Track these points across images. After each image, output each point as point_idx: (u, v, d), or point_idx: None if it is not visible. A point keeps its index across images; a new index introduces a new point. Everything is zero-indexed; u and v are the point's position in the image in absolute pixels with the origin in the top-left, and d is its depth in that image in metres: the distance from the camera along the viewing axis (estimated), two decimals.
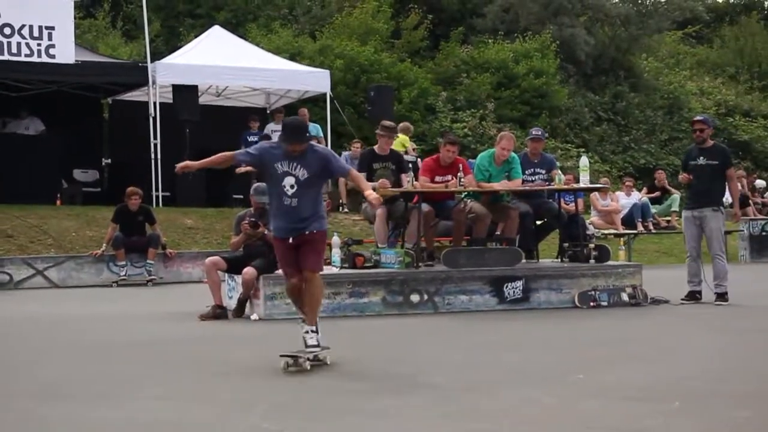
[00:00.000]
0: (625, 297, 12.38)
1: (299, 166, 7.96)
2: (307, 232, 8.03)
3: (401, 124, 22.53)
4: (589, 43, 31.67)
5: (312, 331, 8.00)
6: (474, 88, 28.02)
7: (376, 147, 13.27)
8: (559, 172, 12.96)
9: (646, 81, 32.92)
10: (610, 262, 12.93)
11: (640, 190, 21.58)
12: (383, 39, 28.13)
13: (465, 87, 28.27)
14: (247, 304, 11.45)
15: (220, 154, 8.69)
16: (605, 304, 12.26)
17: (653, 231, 20.03)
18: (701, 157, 12.52)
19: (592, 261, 12.65)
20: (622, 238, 18.40)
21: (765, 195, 25.25)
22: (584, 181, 13.21)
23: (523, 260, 12.52)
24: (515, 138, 13.69)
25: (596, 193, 18.46)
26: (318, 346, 7.98)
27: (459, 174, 12.27)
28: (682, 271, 12.88)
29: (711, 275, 12.45)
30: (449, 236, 13.19)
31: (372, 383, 7.43)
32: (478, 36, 31.25)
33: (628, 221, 19.77)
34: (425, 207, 12.27)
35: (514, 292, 12.15)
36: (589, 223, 17.46)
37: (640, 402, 6.61)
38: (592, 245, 13.03)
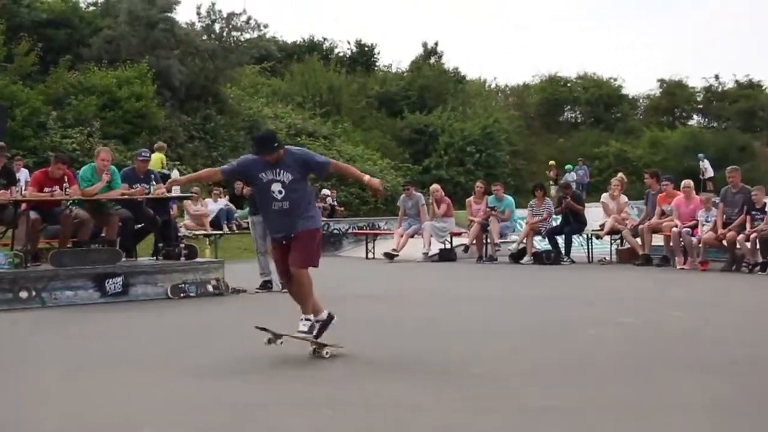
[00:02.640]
0: (210, 288, 12.44)
1: (282, 171, 7.23)
2: (293, 234, 7.27)
3: (157, 144, 22.39)
4: (182, 72, 31.51)
5: (306, 319, 7.32)
6: (82, 109, 27.05)
7: None
8: (155, 183, 12.86)
9: (230, 106, 33.22)
10: (198, 259, 12.93)
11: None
12: None
13: (74, 107, 27.20)
14: None
15: (206, 170, 8.30)
16: (193, 294, 12.25)
17: (236, 231, 20.28)
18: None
19: (182, 258, 12.61)
20: (209, 238, 18.43)
21: (327, 200, 26.31)
22: (176, 190, 13.13)
23: (123, 259, 12.27)
24: (113, 151, 13.47)
25: (188, 200, 18.38)
26: (308, 332, 7.29)
27: (65, 185, 11.94)
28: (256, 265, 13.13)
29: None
30: (57, 238, 12.64)
31: None
32: (85, 63, 30.20)
33: (216, 223, 19.90)
34: (33, 214, 11.82)
35: (114, 286, 11.82)
36: (182, 226, 17.39)
37: (217, 378, 6.67)
38: (182, 245, 13.00)
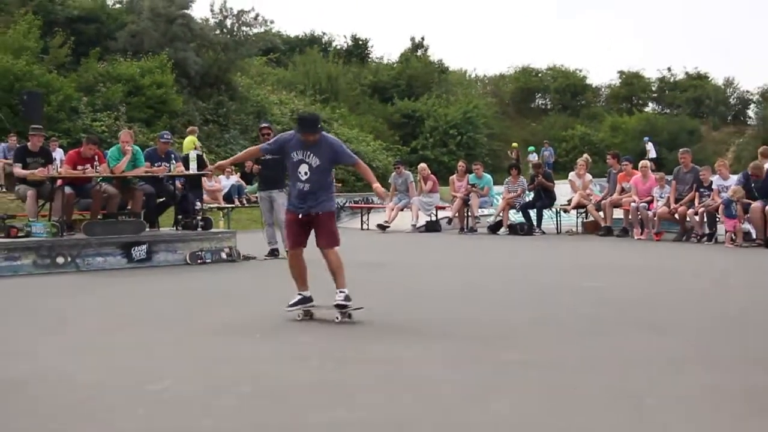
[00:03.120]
0: (224, 255, 12.42)
1: (312, 155, 7.00)
2: (313, 213, 7.07)
3: (189, 128, 22.13)
4: (198, 63, 31.29)
5: (340, 292, 7.11)
6: (109, 95, 26.86)
7: (29, 144, 12.58)
8: (174, 162, 12.82)
9: (240, 93, 33.01)
10: (212, 230, 12.89)
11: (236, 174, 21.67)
12: (34, 54, 26.19)
13: (102, 94, 27.01)
14: None
15: (249, 149, 8.15)
16: (209, 261, 12.23)
17: (246, 205, 20.21)
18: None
19: (199, 229, 12.56)
20: (222, 211, 18.36)
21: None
22: (193, 168, 13.12)
23: (147, 229, 12.23)
24: (137, 134, 13.36)
25: (203, 177, 18.24)
26: (344, 304, 7.12)
27: (95, 163, 11.92)
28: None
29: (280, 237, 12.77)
30: (89, 210, 12.61)
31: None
32: (112, 55, 30.00)
33: (228, 197, 19.82)
34: (67, 190, 11.77)
35: (140, 253, 11.80)
36: (198, 200, 17.25)
37: (230, 335, 6.65)
38: (199, 217, 12.95)
